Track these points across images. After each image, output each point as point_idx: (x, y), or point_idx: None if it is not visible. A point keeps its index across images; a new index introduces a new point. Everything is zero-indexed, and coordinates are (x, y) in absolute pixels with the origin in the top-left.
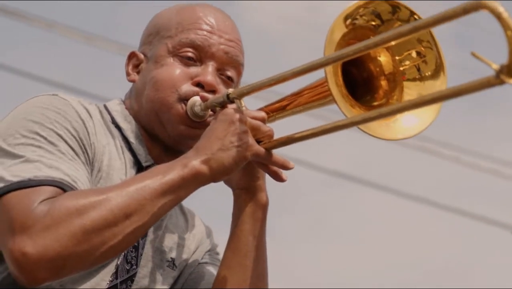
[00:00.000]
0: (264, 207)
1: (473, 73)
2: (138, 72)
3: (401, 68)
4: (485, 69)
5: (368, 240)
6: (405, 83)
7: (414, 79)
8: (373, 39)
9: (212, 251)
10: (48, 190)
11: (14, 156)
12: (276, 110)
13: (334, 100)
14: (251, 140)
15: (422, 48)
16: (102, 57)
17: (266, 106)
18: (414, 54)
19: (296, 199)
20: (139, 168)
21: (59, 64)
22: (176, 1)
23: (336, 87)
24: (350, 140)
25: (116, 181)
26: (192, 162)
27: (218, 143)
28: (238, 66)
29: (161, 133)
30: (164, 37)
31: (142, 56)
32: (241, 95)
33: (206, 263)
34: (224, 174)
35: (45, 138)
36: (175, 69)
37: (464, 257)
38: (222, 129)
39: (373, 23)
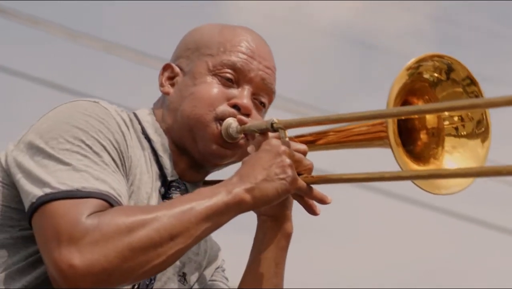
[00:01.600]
0: (289, 236)
1: None
2: (172, 85)
3: (444, 126)
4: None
5: (368, 241)
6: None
7: (449, 135)
8: (451, 103)
9: (220, 268)
10: (96, 203)
11: (59, 161)
12: (309, 143)
13: (390, 147)
14: (295, 174)
15: (469, 114)
16: (88, 55)
17: (297, 137)
18: (456, 118)
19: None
20: (164, 181)
21: (45, 61)
22: (167, 1)
23: (393, 136)
24: None
25: (143, 195)
26: (236, 189)
27: (263, 173)
28: (271, 94)
29: (191, 149)
30: (204, 55)
31: (178, 69)
32: (287, 126)
33: (215, 280)
34: (265, 204)
35: (90, 148)
36: (214, 88)
37: (462, 258)
38: (268, 160)
39: (437, 75)
